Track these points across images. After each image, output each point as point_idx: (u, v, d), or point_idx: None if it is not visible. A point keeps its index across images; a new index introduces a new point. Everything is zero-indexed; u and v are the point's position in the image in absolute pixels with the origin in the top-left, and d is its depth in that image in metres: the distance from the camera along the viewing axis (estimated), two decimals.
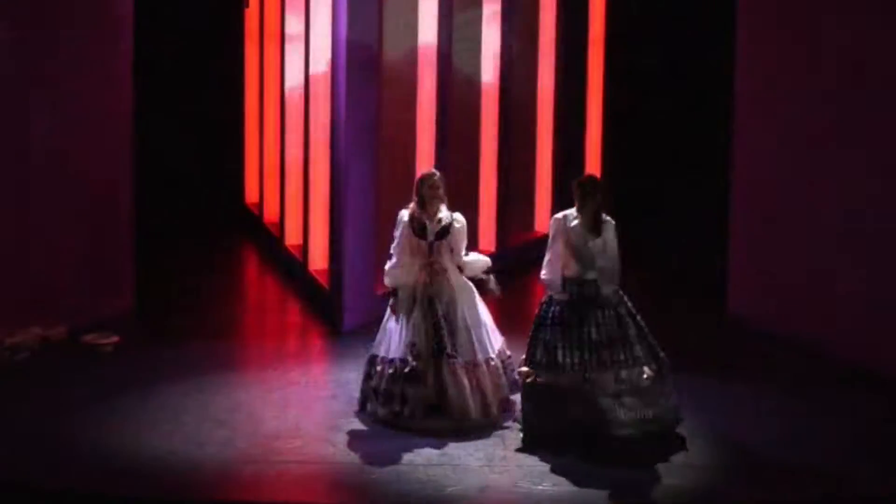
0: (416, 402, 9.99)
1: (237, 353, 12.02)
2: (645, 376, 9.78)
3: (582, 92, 16.47)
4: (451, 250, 10.11)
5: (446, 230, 10.10)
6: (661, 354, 9.96)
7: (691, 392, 10.85)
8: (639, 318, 9.96)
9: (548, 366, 9.82)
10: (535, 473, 9.29)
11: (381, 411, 10.08)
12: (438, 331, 10.01)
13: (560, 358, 9.78)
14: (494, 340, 10.24)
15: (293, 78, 14.51)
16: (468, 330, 10.06)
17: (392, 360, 10.08)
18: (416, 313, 10.06)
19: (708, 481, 9.28)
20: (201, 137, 17.44)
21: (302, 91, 13.95)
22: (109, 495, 8.90)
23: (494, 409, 10.10)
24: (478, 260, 10.39)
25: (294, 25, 14.40)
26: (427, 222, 10.09)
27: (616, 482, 9.24)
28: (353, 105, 12.25)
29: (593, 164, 16.69)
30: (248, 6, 16.69)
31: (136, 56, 12.69)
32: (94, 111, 12.27)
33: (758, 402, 10.83)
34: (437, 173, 10.27)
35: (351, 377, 10.96)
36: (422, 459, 9.49)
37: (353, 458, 9.55)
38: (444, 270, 10.08)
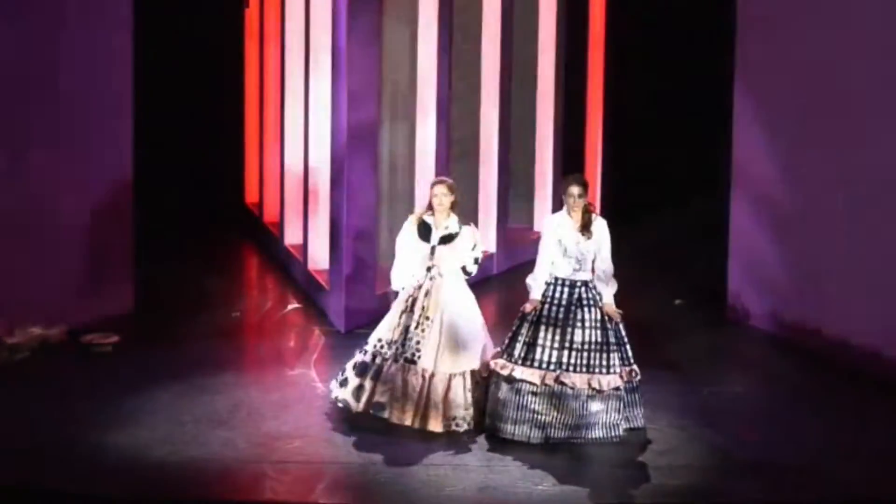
0: (352, 393, 9.98)
1: (237, 353, 12.02)
2: (616, 386, 9.78)
3: (582, 92, 16.49)
4: (455, 257, 10.07)
5: (451, 237, 10.09)
6: (634, 366, 9.97)
7: (691, 392, 10.87)
8: (622, 324, 9.95)
9: (524, 360, 9.84)
10: (535, 473, 9.30)
11: (335, 391, 10.13)
12: (406, 334, 9.99)
13: (538, 354, 9.81)
14: (472, 359, 10.04)
15: (293, 78, 14.51)
16: (440, 342, 9.95)
17: (361, 348, 10.13)
18: (397, 312, 10.07)
19: (708, 481, 9.28)
20: (201, 137, 17.45)
21: (302, 90, 13.95)
22: (109, 495, 8.89)
23: (435, 425, 9.90)
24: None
25: (294, 26, 14.40)
26: (433, 227, 10.10)
27: (615, 482, 9.25)
28: (353, 105, 12.26)
29: (593, 164, 16.71)
30: (248, 6, 16.70)
31: (135, 56, 12.69)
32: (95, 110, 12.27)
33: (757, 403, 10.84)
34: (449, 181, 10.27)
35: None
36: (422, 459, 9.49)
37: (353, 458, 9.55)
38: (441, 276, 10.07)
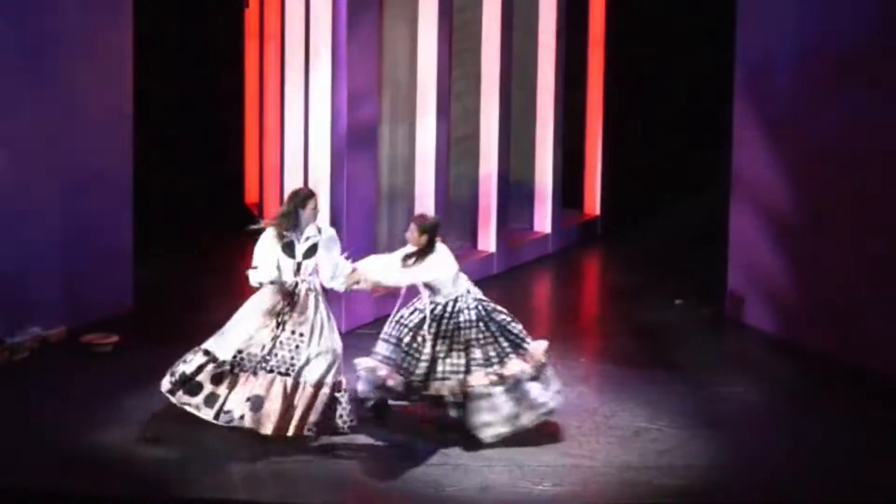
0: (204, 400, 9.88)
1: None
2: (521, 369, 9.83)
3: (582, 92, 16.48)
4: (321, 268, 9.98)
5: (314, 249, 10.00)
6: (530, 349, 9.94)
7: (691, 392, 10.87)
8: (491, 320, 9.93)
9: (429, 378, 9.95)
10: (535, 473, 9.30)
11: (180, 397, 9.96)
12: (273, 348, 9.89)
13: (439, 367, 9.91)
14: (336, 372, 10.00)
15: (293, 78, 14.50)
16: (311, 353, 9.86)
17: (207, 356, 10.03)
18: (258, 325, 9.98)
19: (708, 481, 9.28)
20: (201, 137, 17.44)
21: (302, 90, 13.94)
22: (109, 495, 8.89)
23: (292, 429, 9.76)
24: (371, 270, 10.16)
25: (294, 26, 14.39)
26: (295, 241, 10.01)
27: (615, 482, 9.25)
28: (353, 104, 12.25)
29: (593, 165, 16.71)
30: (248, 6, 16.70)
31: (135, 55, 12.69)
32: (95, 110, 12.27)
33: (757, 403, 10.83)
34: (312, 190, 10.19)
35: (350, 377, 10.94)
36: (422, 459, 9.49)
37: (354, 458, 9.55)
38: (308, 291, 9.99)
